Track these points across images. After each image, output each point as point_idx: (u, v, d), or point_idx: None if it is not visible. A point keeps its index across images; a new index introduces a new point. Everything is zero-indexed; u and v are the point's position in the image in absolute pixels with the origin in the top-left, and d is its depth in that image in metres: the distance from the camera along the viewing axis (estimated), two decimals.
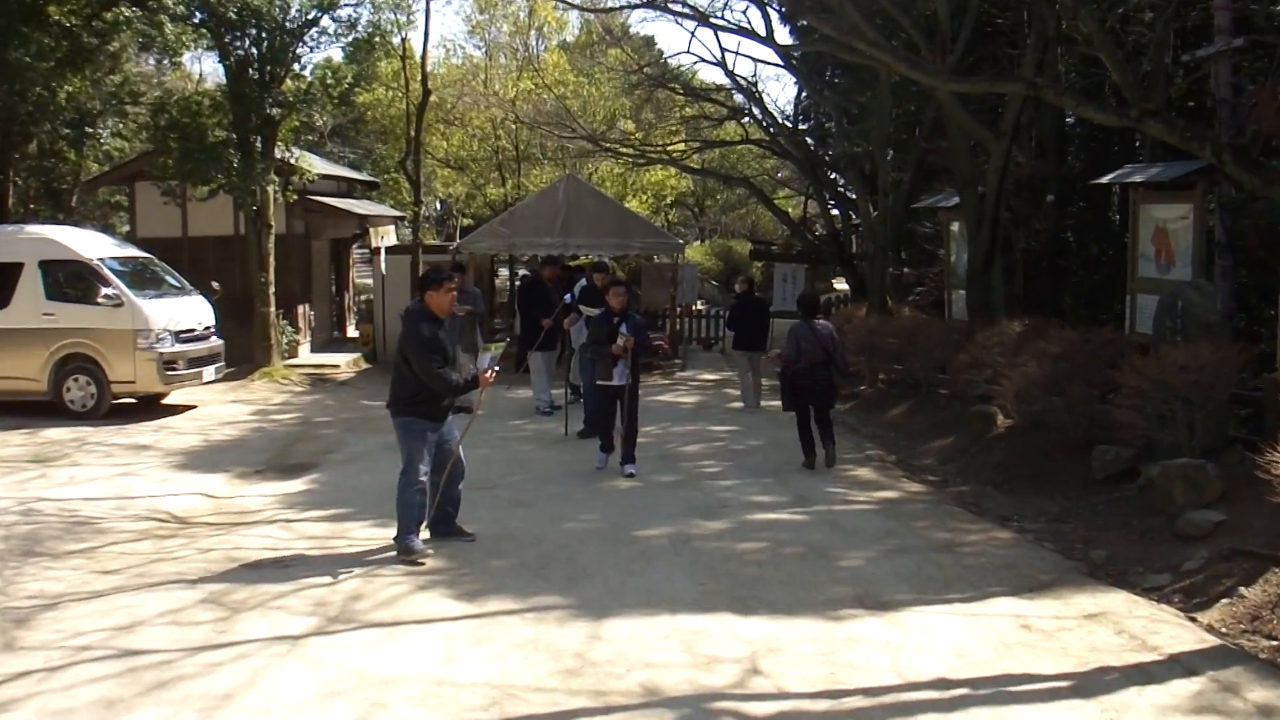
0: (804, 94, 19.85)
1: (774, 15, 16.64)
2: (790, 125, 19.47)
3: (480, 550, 6.38)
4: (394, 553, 6.19)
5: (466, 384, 6.02)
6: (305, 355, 16.36)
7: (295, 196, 14.88)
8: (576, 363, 11.10)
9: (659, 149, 19.85)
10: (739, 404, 12.22)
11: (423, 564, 6.05)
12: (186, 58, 24.43)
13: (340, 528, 6.96)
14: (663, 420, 11.11)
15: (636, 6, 16.50)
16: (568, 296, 11.15)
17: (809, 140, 19.26)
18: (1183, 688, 4.38)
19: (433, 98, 18.46)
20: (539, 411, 11.61)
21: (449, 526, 6.41)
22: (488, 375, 6.12)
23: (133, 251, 12.53)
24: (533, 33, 24.89)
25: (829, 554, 6.31)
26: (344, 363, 15.94)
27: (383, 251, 16.04)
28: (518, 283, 17.59)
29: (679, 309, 17.80)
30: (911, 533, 6.82)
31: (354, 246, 21.71)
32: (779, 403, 9.78)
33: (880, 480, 8.51)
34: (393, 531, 6.35)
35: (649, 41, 30.77)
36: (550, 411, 11.53)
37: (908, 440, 10.28)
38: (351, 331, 19.74)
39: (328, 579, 5.80)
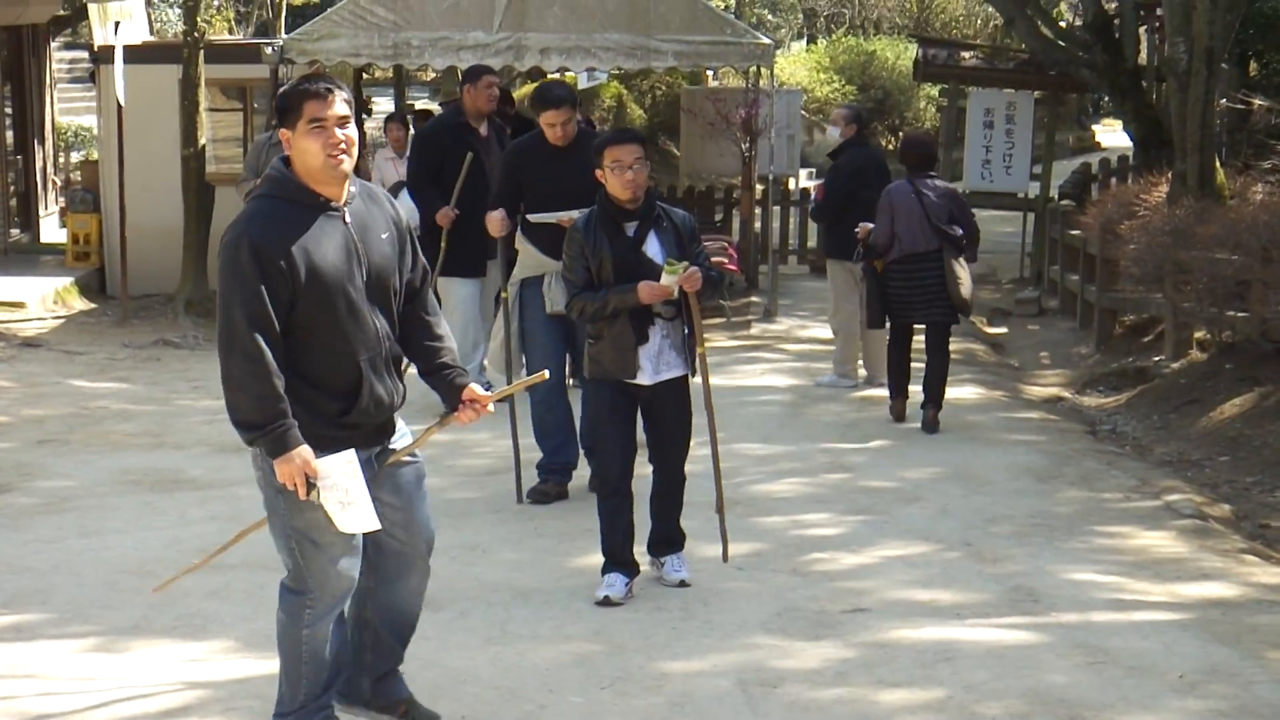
0: None
1: None
2: None
3: None
4: None
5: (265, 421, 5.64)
6: None
7: None
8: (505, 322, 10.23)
9: None
10: (850, 383, 12.99)
11: None
12: None
13: (20, 670, 6.83)
14: (726, 428, 11.17)
15: None
16: None
17: None
18: None
19: None
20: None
21: (386, 685, 6.17)
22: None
23: None
24: None
25: None
26: (35, 298, 16.04)
27: (119, 57, 16.07)
28: (414, 131, 17.63)
29: (760, 188, 17.78)
30: (1261, 669, 6.82)
31: (53, 44, 21.68)
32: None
33: (1193, 556, 8.56)
34: (164, 664, 6.34)
35: None
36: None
37: (1258, 471, 10.36)
38: (51, 231, 19.83)
39: None
